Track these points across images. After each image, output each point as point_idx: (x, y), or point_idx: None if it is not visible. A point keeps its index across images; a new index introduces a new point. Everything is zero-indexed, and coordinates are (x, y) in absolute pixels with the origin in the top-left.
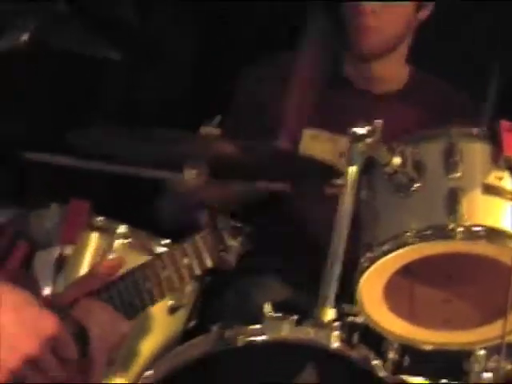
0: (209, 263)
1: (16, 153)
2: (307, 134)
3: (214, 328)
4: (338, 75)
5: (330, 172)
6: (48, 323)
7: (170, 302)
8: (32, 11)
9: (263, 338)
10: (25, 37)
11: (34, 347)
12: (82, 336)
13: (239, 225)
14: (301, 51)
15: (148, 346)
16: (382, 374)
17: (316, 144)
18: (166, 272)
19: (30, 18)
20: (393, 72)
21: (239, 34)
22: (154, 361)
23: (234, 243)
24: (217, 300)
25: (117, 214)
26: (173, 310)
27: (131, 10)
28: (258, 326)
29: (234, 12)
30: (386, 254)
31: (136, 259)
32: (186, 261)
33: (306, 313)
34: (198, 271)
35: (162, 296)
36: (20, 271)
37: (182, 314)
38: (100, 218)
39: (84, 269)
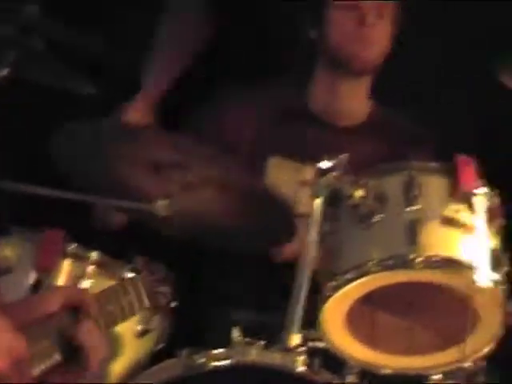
0: (146, 303)
1: None
2: (272, 161)
3: (183, 352)
4: (303, 108)
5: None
6: (19, 345)
7: (139, 327)
8: (9, 47)
9: (231, 361)
10: (4, 72)
11: (6, 367)
12: (70, 347)
13: (168, 272)
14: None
15: (117, 368)
16: None
17: (280, 171)
18: (127, 297)
19: (8, 53)
20: (358, 105)
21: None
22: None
23: (165, 289)
24: (186, 324)
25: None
26: (141, 334)
27: (102, 46)
28: (225, 350)
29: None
30: (348, 282)
31: (106, 285)
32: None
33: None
34: (137, 309)
35: (124, 319)
36: None
37: (150, 338)
38: (72, 246)
39: None
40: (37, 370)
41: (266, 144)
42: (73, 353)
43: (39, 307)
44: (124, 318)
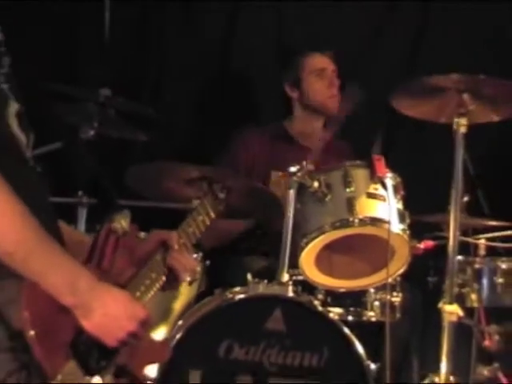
0: (212, 215)
1: None
2: (274, 174)
3: (217, 291)
4: (286, 134)
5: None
6: (141, 310)
7: (188, 278)
8: (93, 117)
9: (247, 295)
10: (92, 133)
11: (135, 329)
12: None
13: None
14: None
15: (178, 306)
16: (319, 308)
17: (276, 180)
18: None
19: (94, 121)
20: (319, 132)
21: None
22: (182, 315)
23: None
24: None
25: None
26: (190, 283)
27: (152, 112)
28: (243, 288)
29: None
30: (314, 239)
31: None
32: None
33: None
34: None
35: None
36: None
37: (195, 285)
38: None
39: None
40: (151, 293)
41: (265, 159)
42: (169, 273)
43: (144, 248)
44: (200, 232)
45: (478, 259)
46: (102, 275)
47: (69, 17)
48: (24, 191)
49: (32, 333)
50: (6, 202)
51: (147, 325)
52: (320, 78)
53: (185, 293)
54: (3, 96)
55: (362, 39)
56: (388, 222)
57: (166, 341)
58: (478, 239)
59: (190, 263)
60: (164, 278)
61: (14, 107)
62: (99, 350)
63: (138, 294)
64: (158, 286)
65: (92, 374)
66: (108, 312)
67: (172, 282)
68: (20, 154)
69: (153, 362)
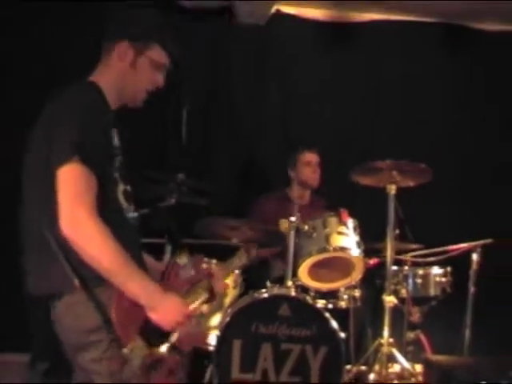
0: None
1: None
2: (282, 221)
3: (250, 292)
4: (288, 197)
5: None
6: (185, 308)
7: (232, 283)
8: (173, 192)
9: (267, 294)
10: (172, 201)
11: (182, 321)
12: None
13: None
14: None
15: (227, 302)
16: (310, 302)
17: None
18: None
19: (174, 196)
20: (308, 196)
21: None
22: (229, 307)
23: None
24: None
25: None
26: (234, 287)
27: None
28: (264, 290)
29: None
30: (306, 259)
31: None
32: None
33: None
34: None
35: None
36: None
37: (237, 289)
38: None
39: None
40: (198, 301)
41: (275, 213)
42: (211, 292)
43: (197, 274)
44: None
45: (405, 268)
46: (168, 288)
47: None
48: (123, 236)
49: (115, 318)
50: (107, 237)
51: (190, 318)
52: (308, 167)
53: (231, 294)
54: (114, 180)
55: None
56: (351, 249)
57: (201, 331)
58: (405, 256)
59: (223, 286)
60: (207, 294)
61: (121, 187)
62: (159, 333)
63: (188, 300)
64: (202, 298)
65: (154, 347)
66: (166, 309)
67: (212, 297)
68: (122, 214)
69: (194, 343)
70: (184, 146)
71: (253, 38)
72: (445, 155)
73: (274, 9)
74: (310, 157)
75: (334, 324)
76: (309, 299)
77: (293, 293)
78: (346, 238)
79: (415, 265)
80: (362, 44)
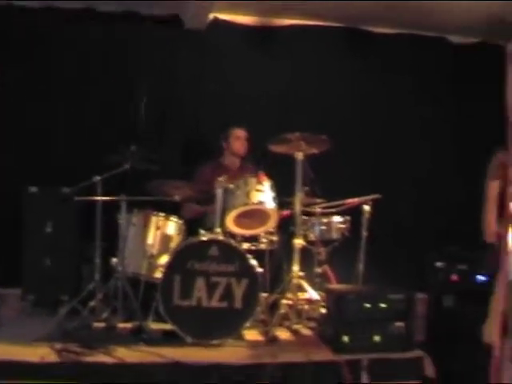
0: None
1: None
2: (217, 180)
3: (189, 238)
4: (223, 165)
5: None
6: None
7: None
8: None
9: (201, 238)
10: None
11: None
12: None
13: None
14: None
15: (172, 245)
16: (234, 244)
17: (218, 183)
18: None
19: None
20: (239, 161)
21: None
22: (173, 249)
23: None
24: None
25: None
26: (177, 236)
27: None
28: (199, 235)
29: None
30: (231, 210)
31: None
32: None
33: None
34: None
35: None
36: None
37: (181, 236)
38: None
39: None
40: None
41: (212, 176)
42: None
43: None
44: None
45: (312, 218)
46: None
47: None
48: None
49: None
50: None
51: None
52: (238, 140)
53: (176, 239)
54: None
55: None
56: (266, 203)
57: None
58: (313, 208)
59: None
60: None
61: None
62: None
63: None
64: None
65: None
66: None
67: None
68: None
69: None
70: (141, 127)
71: (195, 41)
72: (345, 129)
73: (212, 16)
74: (240, 132)
75: (253, 261)
76: (233, 242)
77: (220, 237)
78: (263, 194)
79: (322, 214)
80: (283, 44)
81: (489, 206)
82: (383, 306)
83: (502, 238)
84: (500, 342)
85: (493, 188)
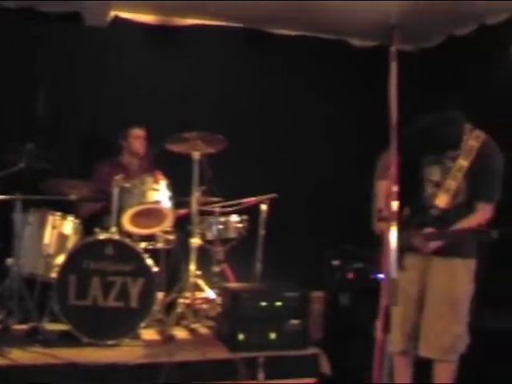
0: None
1: None
2: (115, 178)
3: (86, 237)
4: (119, 162)
5: None
6: None
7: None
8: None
9: (97, 238)
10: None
11: None
12: None
13: None
14: None
15: (69, 245)
16: (131, 244)
17: (116, 181)
18: None
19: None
20: (136, 162)
21: None
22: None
23: None
24: None
25: None
26: (74, 235)
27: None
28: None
29: None
30: (128, 209)
31: None
32: None
33: None
34: None
35: None
36: None
37: (78, 235)
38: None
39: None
40: None
41: (110, 174)
42: None
43: None
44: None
45: (210, 217)
46: None
47: None
48: None
49: None
50: None
51: None
52: (137, 140)
53: (72, 239)
54: None
55: None
56: (160, 202)
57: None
58: (210, 207)
59: None
60: None
61: None
62: None
63: None
64: None
65: None
66: None
67: None
68: None
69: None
70: (38, 125)
71: (96, 39)
72: (245, 129)
73: (113, 13)
74: (139, 132)
75: (149, 261)
76: (129, 241)
77: (116, 237)
78: (159, 193)
79: (219, 213)
80: (184, 44)
81: (377, 206)
82: (279, 303)
83: (384, 236)
84: (382, 337)
85: (381, 187)
